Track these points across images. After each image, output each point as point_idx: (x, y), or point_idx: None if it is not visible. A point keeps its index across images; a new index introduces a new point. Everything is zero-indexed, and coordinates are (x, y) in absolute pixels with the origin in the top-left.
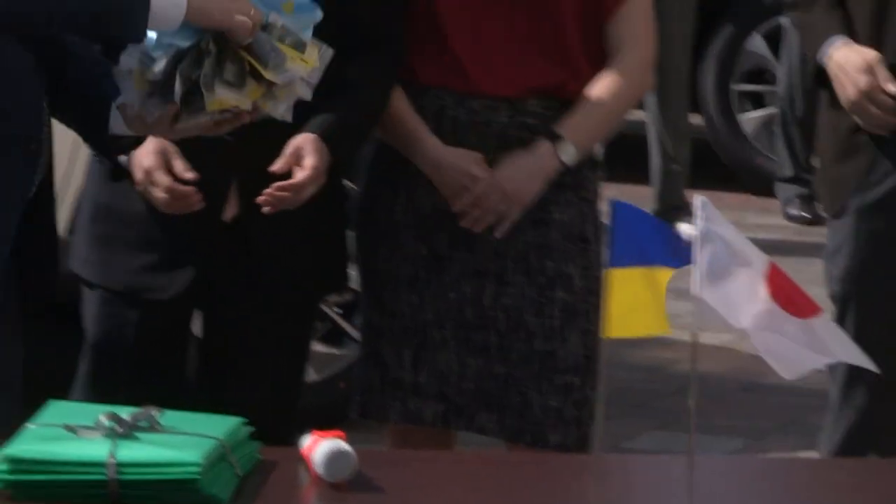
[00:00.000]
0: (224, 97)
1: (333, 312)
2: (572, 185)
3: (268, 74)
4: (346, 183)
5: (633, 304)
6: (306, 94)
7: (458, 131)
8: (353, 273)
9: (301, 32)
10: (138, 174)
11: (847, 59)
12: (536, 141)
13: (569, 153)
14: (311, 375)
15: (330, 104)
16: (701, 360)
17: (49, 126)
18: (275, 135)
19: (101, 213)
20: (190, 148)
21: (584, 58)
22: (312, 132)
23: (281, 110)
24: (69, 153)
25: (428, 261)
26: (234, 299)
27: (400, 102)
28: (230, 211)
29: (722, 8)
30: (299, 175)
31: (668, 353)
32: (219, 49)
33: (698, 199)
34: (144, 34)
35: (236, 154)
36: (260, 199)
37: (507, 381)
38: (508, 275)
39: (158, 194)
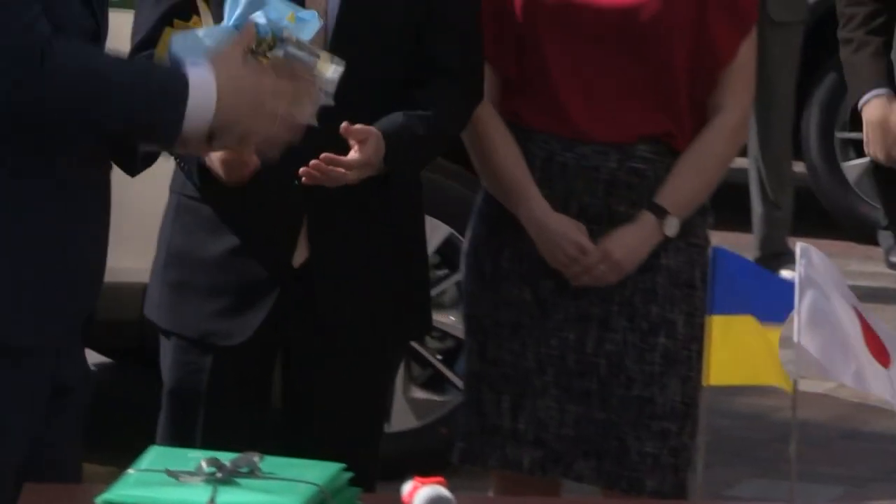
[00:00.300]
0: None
1: (435, 359)
2: (681, 231)
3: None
4: (454, 232)
5: (733, 351)
6: (328, 100)
7: (566, 177)
8: (455, 319)
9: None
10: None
11: (878, 117)
12: (641, 214)
13: (672, 226)
14: (413, 421)
15: (401, 114)
16: (802, 407)
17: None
18: (343, 193)
19: (173, 259)
20: (259, 192)
21: (692, 107)
22: (378, 128)
23: (307, 115)
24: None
25: (532, 307)
26: (307, 345)
27: (509, 154)
28: (300, 256)
29: (826, 56)
30: (352, 155)
31: (769, 400)
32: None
33: (800, 247)
34: (179, 128)
35: (305, 198)
36: (302, 169)
37: (605, 426)
38: (613, 320)
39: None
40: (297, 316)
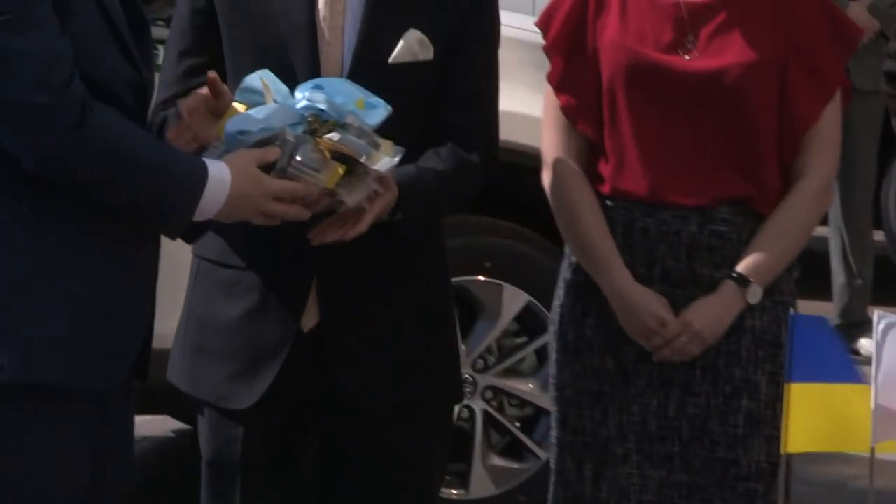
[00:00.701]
0: (298, 173)
1: (514, 426)
2: (766, 289)
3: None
4: (532, 300)
5: (812, 418)
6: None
7: (648, 242)
8: (533, 387)
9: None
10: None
11: None
12: (724, 283)
13: (755, 295)
14: (492, 489)
15: (414, 166)
16: (880, 474)
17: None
18: (356, 243)
19: (193, 323)
20: (268, 255)
21: (775, 171)
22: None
23: (355, 199)
24: None
25: (614, 375)
26: (330, 409)
27: (593, 221)
28: (310, 320)
29: None
30: (365, 217)
31: (848, 468)
32: (298, 138)
33: (877, 314)
34: (189, 220)
35: (315, 261)
36: (312, 234)
37: (689, 489)
38: (695, 384)
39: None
40: (312, 379)
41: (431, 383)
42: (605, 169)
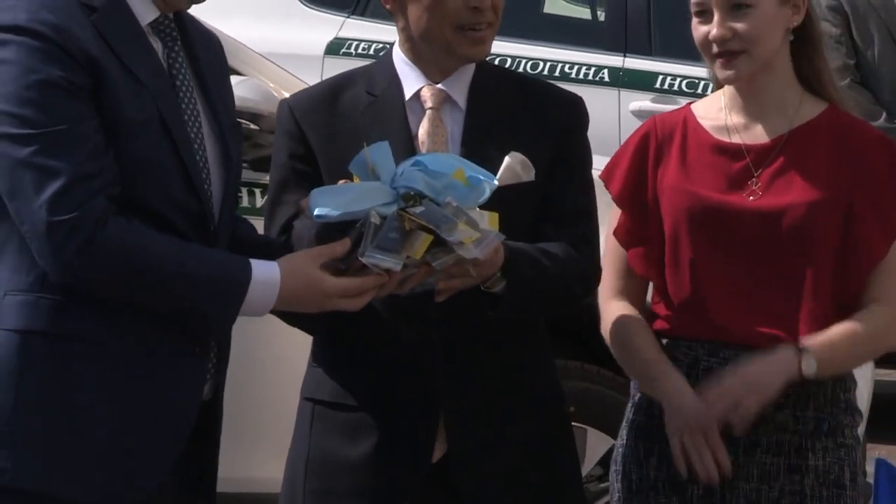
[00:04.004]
0: (376, 260)
1: None
2: (829, 431)
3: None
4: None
5: None
6: (479, 253)
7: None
8: None
9: (475, 209)
10: None
11: None
12: (780, 346)
13: (810, 366)
14: None
15: (526, 244)
16: None
17: (225, 335)
18: (479, 372)
19: (314, 467)
20: (391, 394)
21: (836, 311)
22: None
23: (456, 286)
24: None
25: None
26: None
27: (645, 337)
28: (438, 451)
29: None
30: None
31: None
32: (382, 219)
33: None
34: (233, 322)
35: (443, 393)
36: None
37: None
38: None
39: None
40: None
41: None
42: (666, 308)
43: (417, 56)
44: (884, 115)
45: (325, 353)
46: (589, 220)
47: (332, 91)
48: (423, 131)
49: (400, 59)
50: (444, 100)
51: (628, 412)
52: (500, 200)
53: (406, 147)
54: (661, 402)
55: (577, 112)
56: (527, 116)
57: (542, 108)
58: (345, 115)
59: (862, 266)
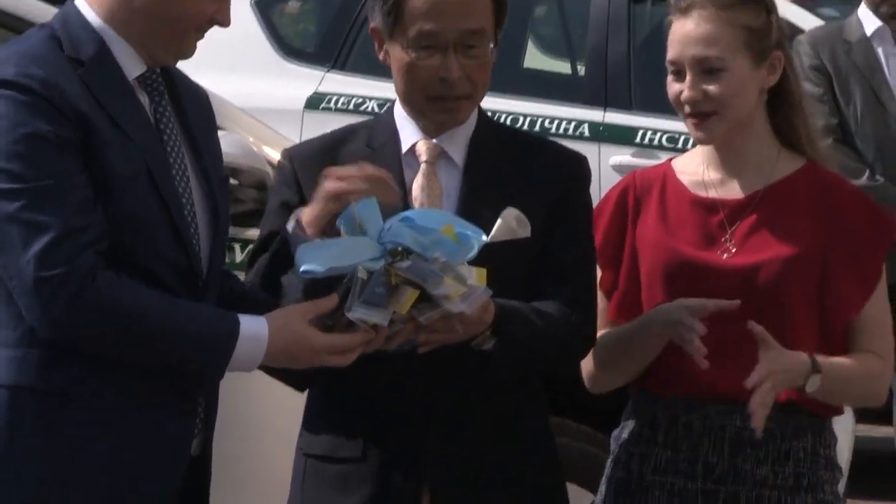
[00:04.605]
0: (363, 316)
1: None
2: (809, 487)
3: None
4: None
5: None
6: (467, 308)
7: (692, 437)
8: None
9: (463, 265)
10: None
11: None
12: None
13: (814, 383)
14: None
15: (517, 302)
16: None
17: (213, 392)
18: (467, 422)
19: None
20: (383, 445)
21: None
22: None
23: (431, 319)
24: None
25: None
26: None
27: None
28: (426, 501)
29: None
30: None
31: None
32: (369, 274)
33: None
34: (221, 377)
35: (431, 444)
36: (420, 348)
37: None
38: None
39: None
40: None
41: None
42: (647, 368)
43: (414, 110)
44: (867, 173)
45: (316, 406)
46: (588, 277)
47: (333, 143)
48: (416, 185)
49: (399, 112)
50: (439, 154)
51: (608, 468)
52: (497, 257)
53: (402, 207)
54: (650, 331)
55: (578, 170)
56: (526, 174)
57: (543, 165)
58: (344, 167)
59: (840, 318)
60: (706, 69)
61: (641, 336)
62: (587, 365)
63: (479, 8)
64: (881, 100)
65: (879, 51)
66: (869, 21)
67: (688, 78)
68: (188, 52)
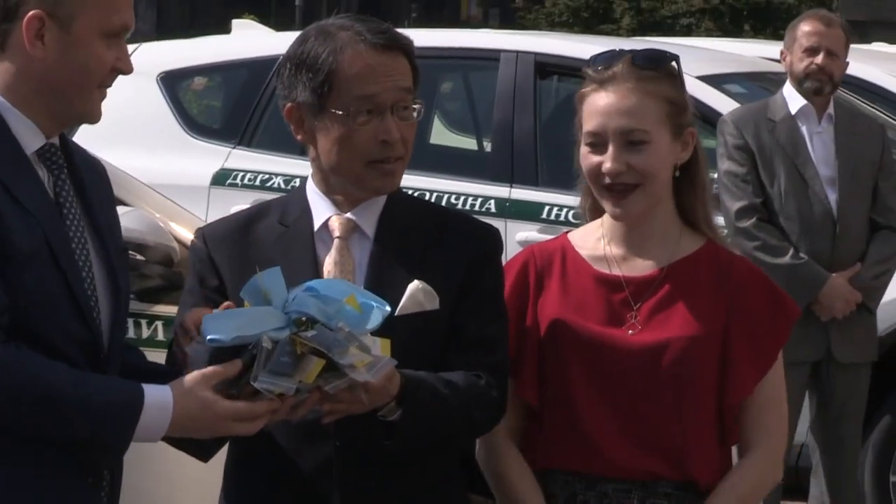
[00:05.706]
0: (268, 385)
1: None
2: None
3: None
4: None
5: None
6: (372, 377)
7: None
8: None
9: (367, 335)
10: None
11: None
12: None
13: None
14: None
15: (425, 372)
16: None
17: (118, 463)
18: (379, 500)
19: None
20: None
21: (719, 444)
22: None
23: (337, 389)
24: None
25: None
26: None
27: (518, 471)
28: None
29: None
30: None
31: None
32: (274, 343)
33: None
34: (126, 448)
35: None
36: (325, 418)
37: None
38: None
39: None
40: None
41: None
42: (545, 439)
43: (328, 187)
44: (791, 251)
45: (231, 479)
46: (496, 350)
47: (247, 221)
48: (329, 261)
49: (312, 189)
50: (352, 229)
51: None
52: (407, 328)
53: (310, 276)
54: None
55: (488, 242)
56: (437, 246)
57: (453, 238)
58: (257, 244)
59: (735, 397)
60: (630, 141)
61: None
62: (479, 455)
63: (404, 69)
64: (805, 178)
65: (804, 129)
66: (794, 99)
67: (610, 150)
68: (94, 114)
